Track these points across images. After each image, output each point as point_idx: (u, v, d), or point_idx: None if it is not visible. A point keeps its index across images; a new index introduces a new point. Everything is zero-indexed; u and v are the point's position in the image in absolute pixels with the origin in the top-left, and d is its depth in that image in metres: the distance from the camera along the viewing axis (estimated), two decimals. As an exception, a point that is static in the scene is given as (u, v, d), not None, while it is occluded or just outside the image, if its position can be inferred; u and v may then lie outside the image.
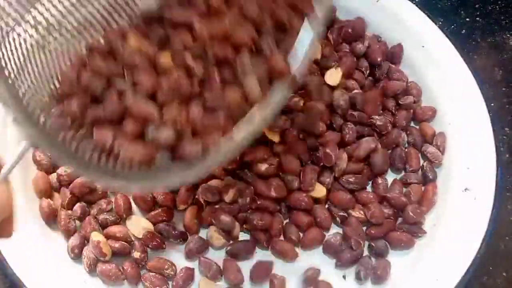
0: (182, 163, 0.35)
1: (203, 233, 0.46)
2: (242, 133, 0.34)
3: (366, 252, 0.46)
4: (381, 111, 0.50)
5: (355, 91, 0.50)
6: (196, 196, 0.46)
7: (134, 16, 0.39)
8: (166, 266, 0.43)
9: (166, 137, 0.34)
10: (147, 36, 0.37)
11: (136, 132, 0.34)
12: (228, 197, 0.45)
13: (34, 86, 0.35)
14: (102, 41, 0.38)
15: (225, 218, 0.44)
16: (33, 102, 0.34)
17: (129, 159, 0.33)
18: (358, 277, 0.44)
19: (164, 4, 0.38)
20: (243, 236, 0.46)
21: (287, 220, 0.47)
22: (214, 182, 0.46)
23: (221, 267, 0.44)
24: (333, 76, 0.49)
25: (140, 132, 0.34)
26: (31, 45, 0.36)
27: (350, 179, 0.47)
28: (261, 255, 0.45)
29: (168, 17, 0.37)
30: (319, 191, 0.46)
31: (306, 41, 0.36)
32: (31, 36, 0.36)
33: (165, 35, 0.37)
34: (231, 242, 0.45)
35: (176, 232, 0.45)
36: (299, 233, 0.46)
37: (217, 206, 0.45)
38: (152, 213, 0.45)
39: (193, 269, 0.44)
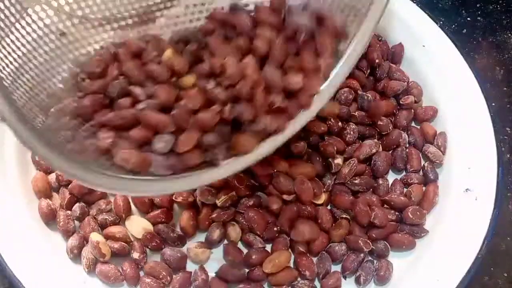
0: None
1: (202, 236, 0.45)
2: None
3: (367, 257, 0.45)
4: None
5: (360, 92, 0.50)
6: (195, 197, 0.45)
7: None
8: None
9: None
10: (181, 53, 0.38)
11: (141, 139, 0.35)
12: (219, 202, 0.44)
13: (32, 86, 0.35)
14: (136, 41, 0.38)
15: (217, 230, 0.44)
16: (29, 102, 0.34)
17: (123, 162, 0.34)
18: (357, 282, 0.44)
19: (208, 29, 0.39)
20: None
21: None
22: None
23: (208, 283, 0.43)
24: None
25: (144, 141, 0.35)
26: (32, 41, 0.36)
27: (355, 181, 0.47)
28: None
29: (208, 44, 0.38)
30: (320, 198, 0.46)
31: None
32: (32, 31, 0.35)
33: (197, 56, 0.38)
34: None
35: (174, 235, 0.44)
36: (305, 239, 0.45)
37: (214, 215, 0.44)
38: (151, 214, 0.45)
39: (190, 272, 0.43)
